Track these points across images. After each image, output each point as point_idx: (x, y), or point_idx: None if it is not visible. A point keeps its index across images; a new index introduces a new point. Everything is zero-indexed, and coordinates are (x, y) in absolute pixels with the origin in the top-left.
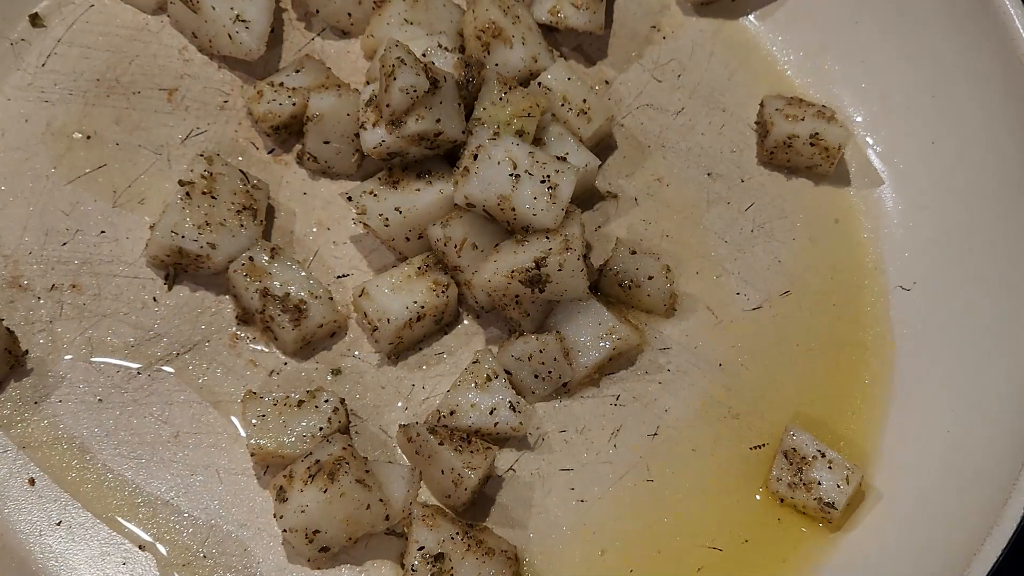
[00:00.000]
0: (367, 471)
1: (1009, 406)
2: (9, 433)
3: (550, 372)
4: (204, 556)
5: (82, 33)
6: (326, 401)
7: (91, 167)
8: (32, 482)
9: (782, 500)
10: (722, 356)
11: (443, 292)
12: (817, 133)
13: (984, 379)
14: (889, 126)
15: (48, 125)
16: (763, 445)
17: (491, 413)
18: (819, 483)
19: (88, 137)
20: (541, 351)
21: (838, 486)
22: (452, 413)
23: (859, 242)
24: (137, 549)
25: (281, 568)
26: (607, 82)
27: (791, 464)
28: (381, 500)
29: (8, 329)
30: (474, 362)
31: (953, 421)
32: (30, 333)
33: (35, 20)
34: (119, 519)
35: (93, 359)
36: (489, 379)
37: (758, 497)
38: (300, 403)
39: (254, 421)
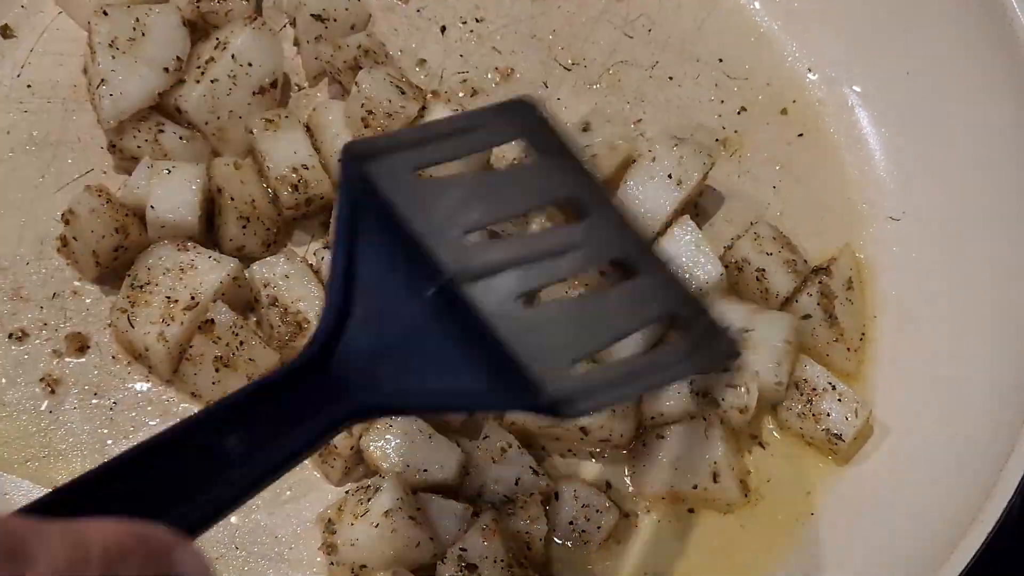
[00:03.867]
0: (418, 508)
1: (1009, 330)
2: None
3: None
4: (236, 548)
5: (54, 41)
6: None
7: (79, 172)
8: None
9: (790, 429)
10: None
11: None
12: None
13: (981, 303)
14: (864, 61)
15: (31, 135)
16: None
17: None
18: (828, 415)
19: (71, 144)
20: (586, 505)
21: (847, 418)
22: (479, 495)
23: (846, 179)
24: None
25: (313, 553)
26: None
27: (801, 394)
28: (432, 539)
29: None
30: (484, 437)
31: (953, 350)
32: (36, 343)
33: (5, 31)
34: None
35: (103, 364)
36: (504, 451)
37: (776, 435)
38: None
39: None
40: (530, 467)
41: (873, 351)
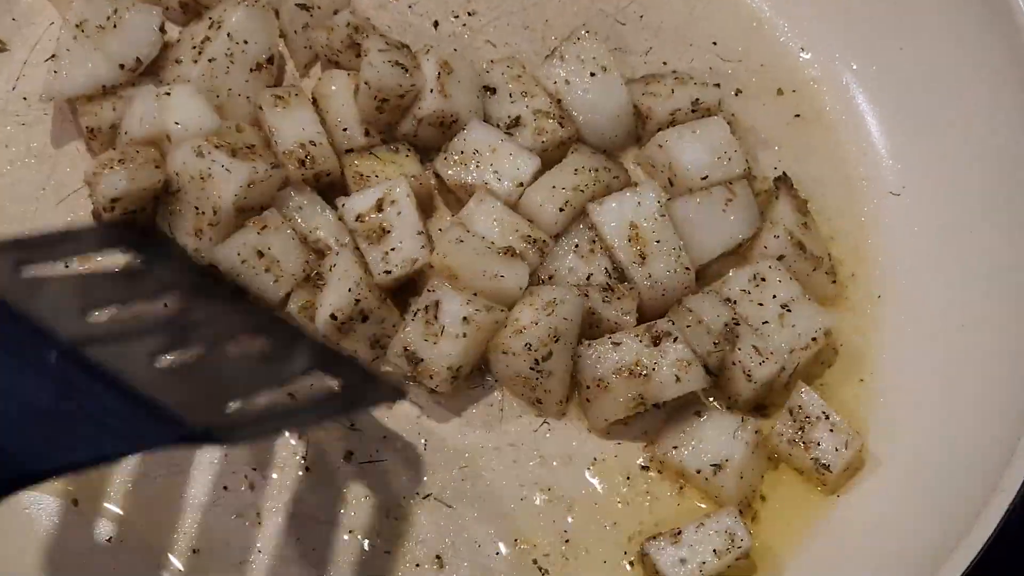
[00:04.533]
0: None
1: (1011, 300)
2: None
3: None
4: (260, 551)
5: (46, 51)
6: None
7: (79, 183)
8: (76, 503)
9: (778, 455)
10: None
11: None
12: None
13: (982, 273)
14: (857, 39)
15: (29, 148)
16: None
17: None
18: (818, 444)
19: (70, 153)
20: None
21: (836, 449)
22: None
23: (845, 157)
24: (191, 554)
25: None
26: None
27: (794, 421)
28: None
29: None
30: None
31: (956, 321)
32: None
33: None
34: (169, 528)
35: None
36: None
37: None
38: None
39: None
40: (605, 269)
41: (878, 326)
